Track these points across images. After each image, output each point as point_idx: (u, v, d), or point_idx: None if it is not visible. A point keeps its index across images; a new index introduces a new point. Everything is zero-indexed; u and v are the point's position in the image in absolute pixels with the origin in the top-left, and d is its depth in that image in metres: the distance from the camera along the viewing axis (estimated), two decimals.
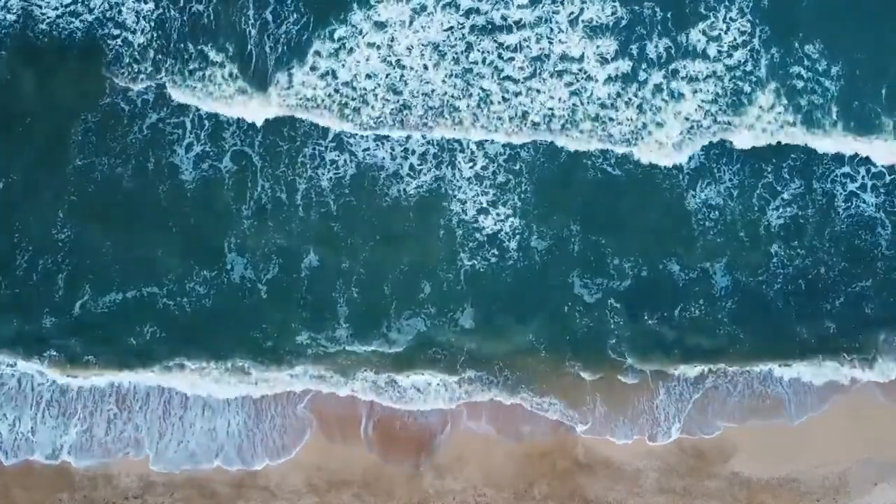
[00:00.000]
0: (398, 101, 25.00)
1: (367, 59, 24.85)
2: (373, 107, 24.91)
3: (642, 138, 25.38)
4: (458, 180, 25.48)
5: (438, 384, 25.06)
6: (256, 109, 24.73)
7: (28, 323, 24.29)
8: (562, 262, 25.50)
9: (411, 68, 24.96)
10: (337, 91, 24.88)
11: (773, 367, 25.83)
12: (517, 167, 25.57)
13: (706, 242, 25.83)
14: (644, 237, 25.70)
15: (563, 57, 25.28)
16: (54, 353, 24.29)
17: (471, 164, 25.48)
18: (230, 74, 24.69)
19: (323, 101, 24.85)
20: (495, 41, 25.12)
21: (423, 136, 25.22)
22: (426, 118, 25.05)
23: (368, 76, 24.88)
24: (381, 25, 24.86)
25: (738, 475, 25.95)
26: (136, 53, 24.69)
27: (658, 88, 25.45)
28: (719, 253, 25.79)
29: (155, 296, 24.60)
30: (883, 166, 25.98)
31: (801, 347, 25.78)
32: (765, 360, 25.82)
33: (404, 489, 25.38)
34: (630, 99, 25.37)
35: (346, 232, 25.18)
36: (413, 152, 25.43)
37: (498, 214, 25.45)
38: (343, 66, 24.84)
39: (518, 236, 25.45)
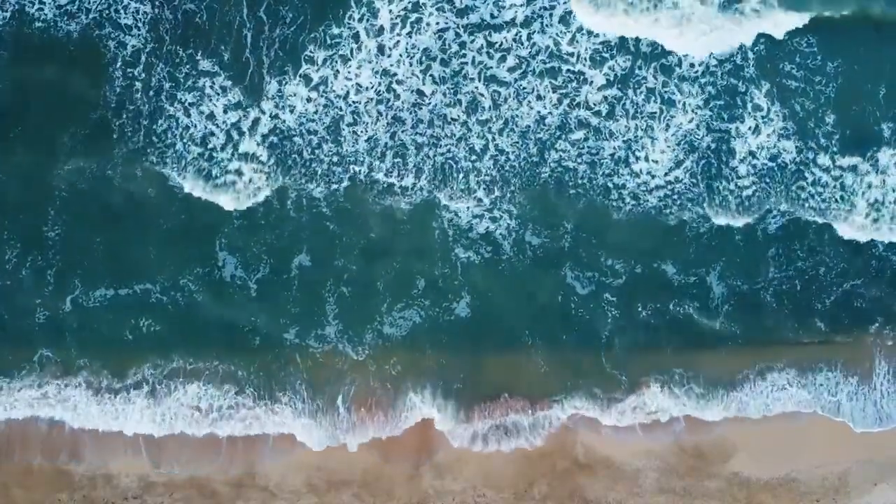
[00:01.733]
0: (390, 115, 25.05)
1: (359, 73, 24.82)
2: (366, 123, 24.99)
3: (635, 154, 25.49)
4: (452, 190, 25.48)
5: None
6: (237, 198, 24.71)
7: (19, 323, 24.30)
8: (554, 259, 25.58)
9: (401, 80, 24.97)
10: (331, 102, 24.95)
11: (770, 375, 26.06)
12: (508, 171, 25.58)
13: (699, 246, 25.97)
14: (638, 238, 25.78)
15: (555, 56, 25.37)
16: (48, 354, 24.31)
17: (464, 176, 25.48)
18: (221, 88, 24.73)
19: (316, 112, 24.90)
20: (487, 40, 25.14)
21: (416, 174, 25.21)
22: (416, 131, 25.12)
23: (359, 89, 24.88)
24: (375, 33, 24.92)
25: (738, 475, 25.95)
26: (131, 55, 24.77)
27: (651, 92, 25.54)
28: (714, 257, 25.95)
29: (148, 293, 24.57)
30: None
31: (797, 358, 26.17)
32: (759, 366, 26.10)
33: (404, 489, 25.36)
34: (626, 108, 25.46)
35: (340, 231, 25.24)
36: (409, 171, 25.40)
37: (492, 219, 25.50)
38: (336, 76, 24.78)
39: (513, 235, 25.53)
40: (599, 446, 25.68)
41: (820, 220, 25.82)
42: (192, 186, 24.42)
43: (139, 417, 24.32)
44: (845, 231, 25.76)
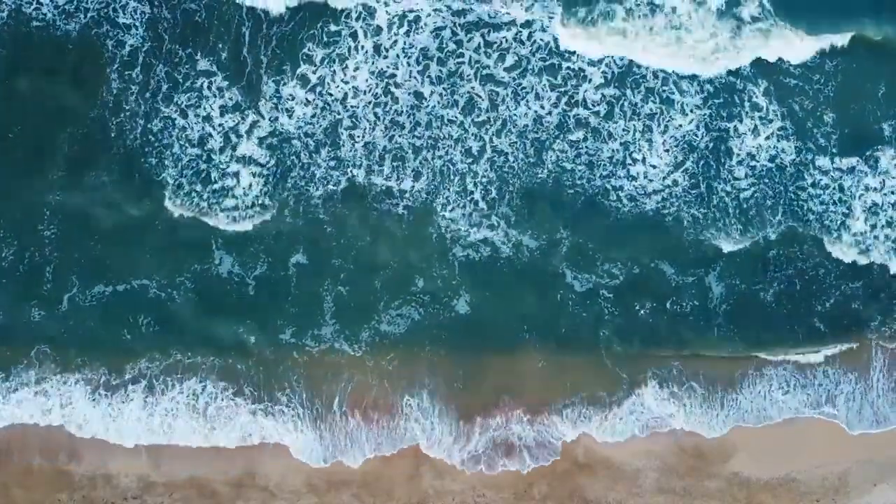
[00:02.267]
0: (387, 119, 24.98)
1: (356, 75, 24.80)
2: (363, 128, 24.92)
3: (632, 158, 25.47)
4: (449, 192, 25.45)
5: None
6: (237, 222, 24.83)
7: (16, 321, 24.27)
8: (552, 259, 25.54)
9: (399, 83, 24.95)
10: (328, 106, 24.87)
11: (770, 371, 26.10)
12: (506, 172, 25.52)
13: (699, 248, 25.90)
14: (635, 240, 25.76)
15: (554, 52, 25.28)
16: (45, 349, 24.27)
17: (460, 179, 25.42)
18: (219, 89, 24.67)
19: (314, 116, 24.85)
20: (485, 39, 25.08)
21: (415, 170, 25.16)
22: (413, 134, 25.04)
23: (357, 92, 24.85)
24: (373, 32, 24.86)
25: (738, 475, 25.95)
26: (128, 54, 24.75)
27: (651, 91, 25.45)
28: (712, 258, 25.91)
29: (145, 289, 24.56)
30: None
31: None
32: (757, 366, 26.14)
33: (404, 489, 25.37)
34: (624, 109, 25.39)
35: (338, 232, 25.23)
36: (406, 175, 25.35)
37: (490, 227, 25.43)
38: (334, 76, 24.76)
39: (512, 240, 25.48)
40: (599, 446, 25.67)
41: (818, 227, 25.87)
42: (185, 208, 24.56)
43: (137, 418, 24.33)
44: (840, 253, 25.89)
